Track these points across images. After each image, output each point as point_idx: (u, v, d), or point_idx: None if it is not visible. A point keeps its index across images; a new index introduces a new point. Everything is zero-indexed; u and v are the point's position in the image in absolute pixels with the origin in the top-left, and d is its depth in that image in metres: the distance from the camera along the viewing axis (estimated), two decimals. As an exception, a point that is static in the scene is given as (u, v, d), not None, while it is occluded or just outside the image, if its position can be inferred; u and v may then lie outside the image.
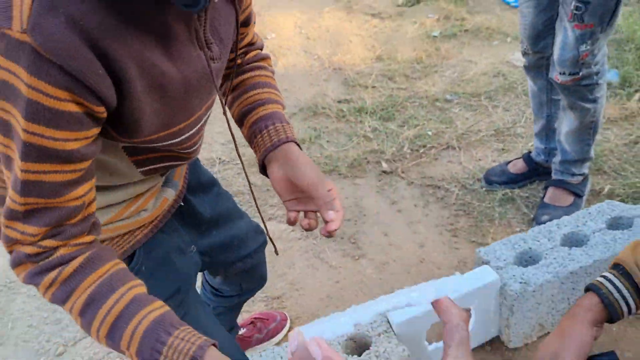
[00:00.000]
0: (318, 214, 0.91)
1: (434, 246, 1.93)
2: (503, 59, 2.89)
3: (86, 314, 0.69)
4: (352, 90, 2.88)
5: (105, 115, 0.67)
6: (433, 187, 2.19)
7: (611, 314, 0.90)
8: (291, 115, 2.77)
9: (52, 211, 0.67)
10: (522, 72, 2.76)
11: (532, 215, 2.00)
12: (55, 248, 0.68)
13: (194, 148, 0.88)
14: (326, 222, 0.87)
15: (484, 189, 2.14)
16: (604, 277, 0.95)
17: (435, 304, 0.64)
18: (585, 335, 0.84)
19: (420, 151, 2.37)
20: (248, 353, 1.48)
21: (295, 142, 0.93)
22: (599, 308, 0.90)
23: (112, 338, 0.69)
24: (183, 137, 0.81)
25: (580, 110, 1.81)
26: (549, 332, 1.54)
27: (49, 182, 0.65)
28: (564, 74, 1.73)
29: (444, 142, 2.41)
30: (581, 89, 1.76)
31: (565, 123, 1.89)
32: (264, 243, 1.34)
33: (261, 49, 1.05)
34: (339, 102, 2.80)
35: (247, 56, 1.01)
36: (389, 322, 1.42)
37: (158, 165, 0.87)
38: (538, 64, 1.94)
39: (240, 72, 0.99)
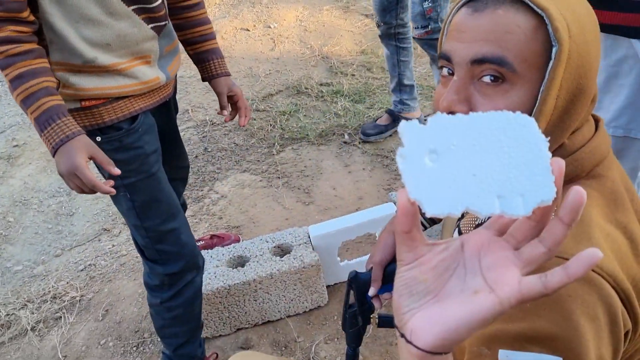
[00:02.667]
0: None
1: (370, 199, 2.33)
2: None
3: (15, 82, 1.06)
4: (334, 76, 3.29)
5: None
6: (382, 156, 2.58)
7: None
8: (278, 92, 3.19)
9: None
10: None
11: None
12: (5, 27, 1.04)
13: None
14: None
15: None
16: None
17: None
18: (388, 239, 0.96)
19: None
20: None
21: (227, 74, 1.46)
22: None
23: (25, 103, 1.07)
24: None
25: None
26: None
27: None
28: (417, 28, 2.24)
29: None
30: (434, 42, 2.25)
31: (435, 75, 2.41)
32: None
33: None
34: (321, 85, 3.21)
35: None
36: (309, 236, 1.83)
37: (136, 6, 1.17)
38: (387, 33, 2.49)
39: (190, 5, 1.40)
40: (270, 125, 2.91)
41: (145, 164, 1.31)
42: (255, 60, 3.55)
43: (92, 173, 1.10)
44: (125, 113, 1.25)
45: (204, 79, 1.49)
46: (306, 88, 3.18)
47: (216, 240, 2.12)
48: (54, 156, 1.10)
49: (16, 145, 2.90)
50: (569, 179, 0.67)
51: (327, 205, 2.32)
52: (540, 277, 0.41)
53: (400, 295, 0.46)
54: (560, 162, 0.42)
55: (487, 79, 0.67)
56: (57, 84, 1.14)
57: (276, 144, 2.76)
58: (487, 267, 0.43)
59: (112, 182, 1.14)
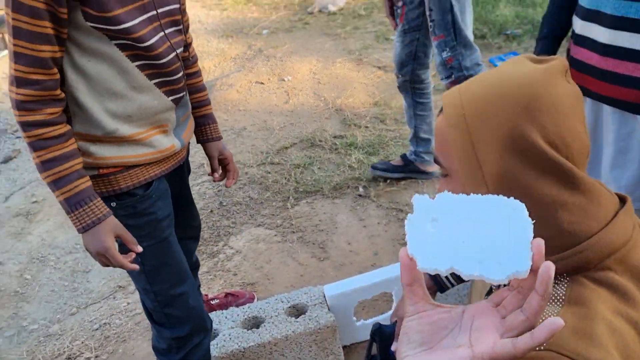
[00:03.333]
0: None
1: (386, 254, 2.31)
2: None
3: (47, 164, 1.10)
4: (348, 128, 3.33)
5: None
6: (397, 210, 2.58)
7: (440, 284, 1.22)
8: (292, 144, 3.22)
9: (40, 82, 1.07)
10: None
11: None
12: (40, 110, 1.08)
13: (164, 61, 1.22)
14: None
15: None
16: None
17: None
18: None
19: (392, 181, 2.78)
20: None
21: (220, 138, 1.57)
22: (428, 282, 1.19)
23: (57, 184, 1.11)
24: (138, 29, 1.14)
25: None
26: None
27: (23, 29, 1.02)
28: (442, 78, 2.26)
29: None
30: None
31: None
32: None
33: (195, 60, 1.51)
34: (335, 137, 3.24)
35: (190, 54, 1.45)
36: (324, 295, 1.81)
37: (150, 72, 1.20)
38: (404, 86, 2.55)
39: (190, 74, 1.46)
40: (285, 178, 2.93)
41: (157, 229, 1.32)
42: (269, 113, 3.61)
43: (119, 253, 1.18)
44: (140, 179, 1.28)
45: (198, 141, 1.56)
46: (320, 140, 3.21)
47: (231, 299, 2.10)
48: (80, 233, 1.16)
49: (35, 202, 2.95)
50: (575, 271, 0.66)
51: (343, 261, 2.31)
52: (512, 340, 0.48)
53: (401, 342, 0.53)
54: (540, 242, 0.49)
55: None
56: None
57: (291, 197, 2.77)
58: (475, 328, 0.51)
59: (132, 257, 1.19)
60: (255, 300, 2.14)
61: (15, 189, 3.07)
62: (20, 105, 1.08)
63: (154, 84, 1.22)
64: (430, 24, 2.19)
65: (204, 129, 1.54)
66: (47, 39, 1.06)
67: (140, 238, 1.29)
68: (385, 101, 3.57)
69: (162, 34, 1.21)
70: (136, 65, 1.18)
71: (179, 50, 1.27)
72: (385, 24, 4.66)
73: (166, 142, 1.31)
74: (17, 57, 1.05)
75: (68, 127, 1.14)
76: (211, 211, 2.75)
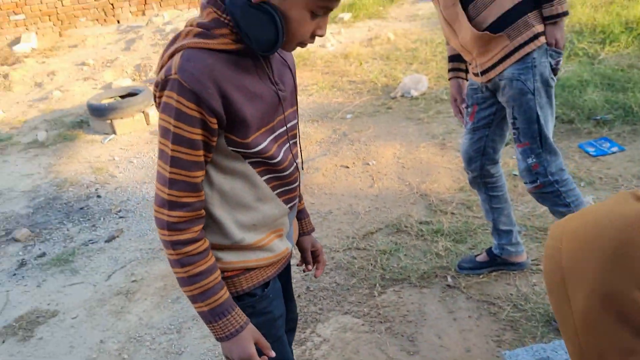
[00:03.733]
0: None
1: (479, 352, 2.23)
2: (574, 199, 3.20)
3: (194, 278, 1.19)
4: (434, 214, 3.32)
5: (215, 125, 1.13)
6: (488, 303, 2.50)
7: None
8: (378, 230, 3.25)
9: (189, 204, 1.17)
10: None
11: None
12: (188, 229, 1.17)
13: (287, 172, 1.32)
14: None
15: (530, 308, 2.43)
16: None
17: None
18: None
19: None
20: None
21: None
22: None
23: (201, 297, 1.19)
24: (270, 148, 1.25)
25: (559, 214, 2.25)
26: None
27: (183, 159, 1.13)
28: (526, 182, 2.23)
29: (507, 266, 2.73)
30: (548, 195, 2.21)
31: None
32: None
33: None
34: (420, 223, 3.24)
35: None
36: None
37: (275, 183, 1.31)
38: (475, 182, 2.53)
39: None
40: (371, 264, 2.94)
41: (273, 327, 1.39)
42: (355, 197, 3.68)
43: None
44: (260, 280, 1.36)
45: None
46: (406, 226, 3.22)
47: None
48: (222, 342, 1.24)
49: (134, 281, 3.12)
50: None
51: (433, 357, 2.25)
52: None
53: None
54: None
55: None
56: None
57: (377, 284, 2.77)
58: None
59: None
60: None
61: (117, 267, 3.27)
62: (172, 226, 1.17)
63: (276, 193, 1.33)
64: (514, 131, 2.20)
65: (300, 224, 1.62)
66: (201, 165, 1.17)
67: None
68: (471, 187, 3.55)
69: (286, 147, 1.32)
70: (264, 179, 1.29)
71: (297, 161, 1.38)
72: (468, 108, 4.71)
73: (282, 246, 1.40)
74: (172, 183, 1.16)
75: (208, 242, 1.24)
76: (298, 296, 2.79)
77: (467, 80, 2.50)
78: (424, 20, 7.57)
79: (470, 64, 2.33)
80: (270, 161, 1.27)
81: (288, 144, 1.33)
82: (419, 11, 7.93)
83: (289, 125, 1.33)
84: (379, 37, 7.12)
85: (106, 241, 3.55)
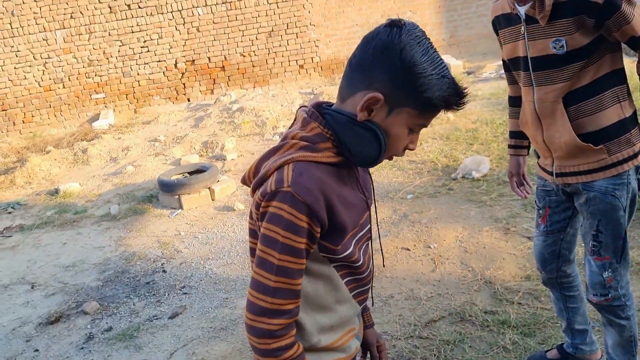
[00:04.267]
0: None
1: None
2: (651, 294, 3.03)
3: None
4: (499, 303, 3.22)
5: (318, 234, 1.19)
6: (562, 406, 2.36)
7: None
8: (440, 317, 3.17)
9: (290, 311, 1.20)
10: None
11: None
12: (288, 334, 1.20)
13: (366, 273, 1.36)
14: None
15: None
16: None
17: None
18: None
19: (555, 370, 2.57)
20: None
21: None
22: None
23: None
24: (355, 252, 1.29)
25: (618, 326, 2.18)
26: None
27: (290, 268, 1.18)
28: (596, 295, 2.15)
29: (580, 365, 2.59)
30: (614, 308, 2.14)
31: (609, 337, 2.24)
32: None
33: None
34: (485, 312, 3.15)
35: None
36: None
37: (353, 285, 1.34)
38: (550, 282, 2.43)
39: None
40: (434, 355, 2.85)
41: None
42: (416, 282, 3.63)
43: None
44: None
45: None
46: (470, 315, 3.13)
47: None
48: None
49: (195, 360, 3.15)
50: None
51: None
52: None
53: None
54: None
55: None
56: None
57: (441, 378, 2.67)
58: None
59: None
60: None
61: (179, 345, 3.32)
62: (272, 334, 1.20)
63: (353, 294, 1.35)
64: (594, 243, 2.13)
65: (362, 317, 1.60)
66: (302, 272, 1.23)
67: None
68: (538, 275, 3.43)
69: (364, 248, 1.37)
70: (344, 281, 1.32)
71: (372, 261, 1.41)
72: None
73: (353, 345, 1.41)
74: (276, 292, 1.19)
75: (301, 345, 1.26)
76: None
77: (527, 155, 2.48)
78: (484, 100, 7.63)
79: (540, 157, 2.29)
80: (353, 265, 1.31)
81: (365, 245, 1.38)
82: (478, 91, 8.02)
83: (367, 228, 1.37)
84: (438, 117, 7.20)
85: (170, 317, 3.63)
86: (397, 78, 1.16)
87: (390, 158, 1.28)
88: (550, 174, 2.21)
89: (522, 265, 3.62)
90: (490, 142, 5.98)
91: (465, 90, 1.21)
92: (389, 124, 1.20)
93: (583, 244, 2.23)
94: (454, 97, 1.19)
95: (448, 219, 4.43)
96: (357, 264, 1.31)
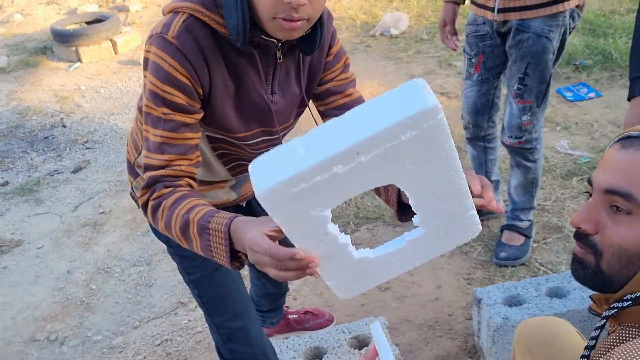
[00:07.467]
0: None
1: (449, 289, 2.26)
2: (548, 144, 3.19)
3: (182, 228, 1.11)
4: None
5: (201, 95, 1.10)
6: (460, 242, 2.52)
7: None
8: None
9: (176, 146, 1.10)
10: (563, 157, 3.07)
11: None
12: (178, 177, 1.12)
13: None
14: None
15: None
16: None
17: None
18: None
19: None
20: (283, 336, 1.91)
21: None
22: None
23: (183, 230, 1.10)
24: (244, 143, 1.23)
25: (524, 168, 2.30)
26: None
27: (173, 120, 1.08)
28: (511, 137, 2.21)
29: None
30: (524, 151, 2.24)
31: (513, 178, 2.36)
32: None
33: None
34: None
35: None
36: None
37: (234, 163, 1.30)
38: (477, 136, 2.44)
39: None
40: (345, 202, 2.92)
41: (208, 259, 1.32)
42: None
43: None
44: None
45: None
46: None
47: (309, 317, 2.12)
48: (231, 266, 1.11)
49: (102, 212, 3.04)
50: None
51: (404, 293, 2.27)
52: None
53: None
54: None
55: (615, 208, 0.79)
56: None
57: (351, 222, 2.76)
58: None
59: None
60: (334, 323, 2.13)
61: (84, 199, 3.17)
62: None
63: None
64: (519, 86, 2.12)
65: None
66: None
67: (194, 269, 1.37)
68: (466, 143, 3.52)
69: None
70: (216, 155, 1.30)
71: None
72: (448, 50, 4.61)
73: (222, 196, 1.39)
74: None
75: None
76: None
77: (462, 4, 2.33)
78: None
79: None
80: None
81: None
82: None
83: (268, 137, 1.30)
84: (359, -28, 6.86)
85: (72, 172, 3.44)
86: None
87: (279, 21, 1.02)
88: (492, 9, 2.09)
89: (434, 119, 3.67)
90: (411, -1, 5.81)
91: None
92: None
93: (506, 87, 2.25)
94: None
95: (365, 75, 4.36)
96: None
